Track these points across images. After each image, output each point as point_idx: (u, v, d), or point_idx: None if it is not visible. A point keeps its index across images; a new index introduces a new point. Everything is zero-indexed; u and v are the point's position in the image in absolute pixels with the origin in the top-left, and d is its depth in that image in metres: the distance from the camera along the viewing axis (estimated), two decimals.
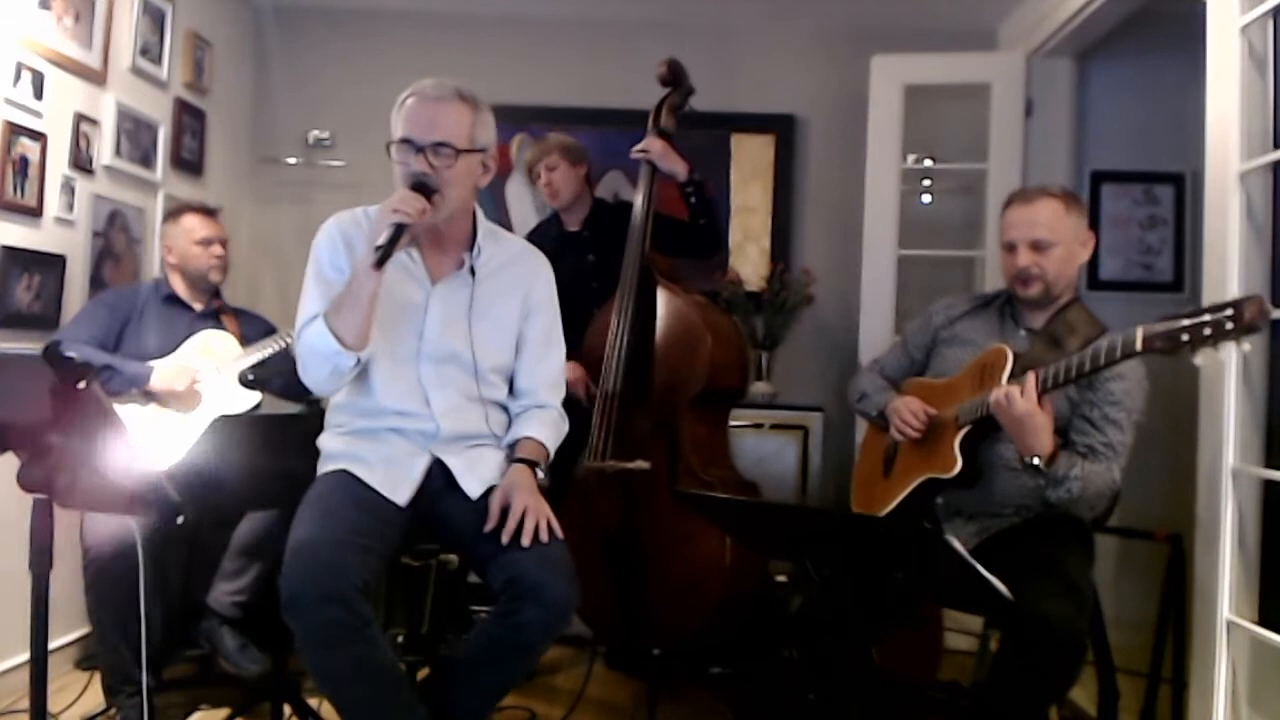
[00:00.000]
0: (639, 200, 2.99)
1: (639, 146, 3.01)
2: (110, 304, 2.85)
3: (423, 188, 1.93)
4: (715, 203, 3.19)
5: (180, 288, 2.93)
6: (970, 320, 2.36)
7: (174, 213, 2.97)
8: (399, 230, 1.86)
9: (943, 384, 2.28)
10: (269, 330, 3.01)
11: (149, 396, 2.72)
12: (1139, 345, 1.78)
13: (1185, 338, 1.70)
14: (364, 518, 1.91)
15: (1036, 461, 2.00)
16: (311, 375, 1.98)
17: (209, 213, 2.97)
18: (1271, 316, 1.68)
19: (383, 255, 1.85)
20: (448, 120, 1.99)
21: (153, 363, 2.73)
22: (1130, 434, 2.10)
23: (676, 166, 3.01)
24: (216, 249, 2.93)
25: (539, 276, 2.19)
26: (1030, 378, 1.97)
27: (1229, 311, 1.66)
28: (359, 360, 1.94)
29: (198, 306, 2.94)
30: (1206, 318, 1.69)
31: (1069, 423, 2.12)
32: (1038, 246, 2.17)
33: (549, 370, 2.19)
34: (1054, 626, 1.85)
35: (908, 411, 2.26)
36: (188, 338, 2.83)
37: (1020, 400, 1.95)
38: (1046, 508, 2.14)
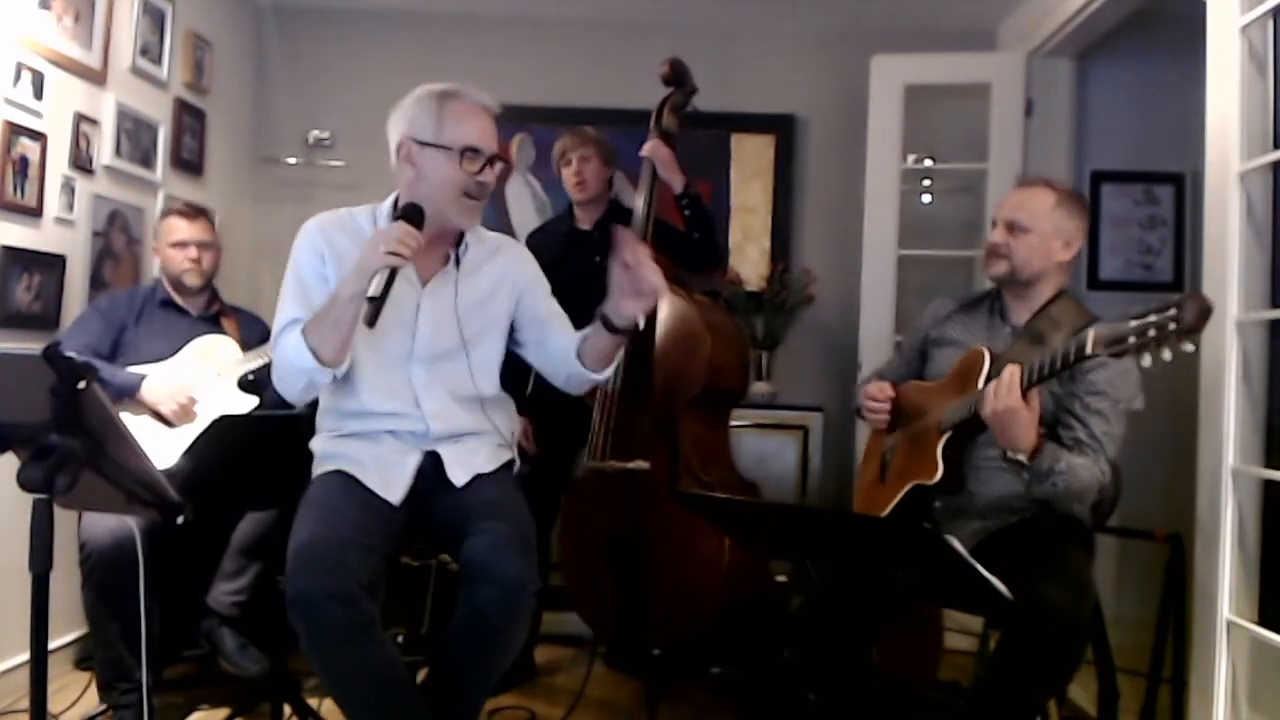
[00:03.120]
0: (640, 199, 2.99)
1: (646, 148, 2.99)
2: (105, 311, 2.83)
3: (415, 214, 1.90)
4: (713, 218, 3.16)
5: (173, 291, 2.93)
6: (960, 321, 2.35)
7: (163, 214, 2.99)
8: (393, 275, 1.82)
9: (932, 387, 2.28)
10: (268, 334, 3.01)
11: (142, 405, 2.70)
12: (1090, 348, 1.77)
13: (1132, 339, 1.68)
14: (364, 517, 1.92)
15: (1020, 457, 1.98)
16: (286, 387, 1.96)
17: (191, 215, 2.93)
18: (1212, 312, 1.65)
19: (376, 309, 1.79)
20: (495, 133, 2.00)
21: (144, 369, 2.71)
22: (1118, 423, 2.08)
23: (674, 177, 2.99)
24: (191, 252, 2.88)
25: (519, 260, 2.19)
26: (1013, 372, 1.95)
27: (1171, 313, 1.64)
28: (335, 376, 1.94)
29: (195, 310, 2.93)
30: (1153, 318, 1.66)
31: (1055, 418, 2.11)
32: (1011, 227, 2.17)
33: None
34: (1054, 614, 1.84)
35: (872, 397, 2.31)
36: (188, 342, 2.82)
37: (1002, 395, 1.93)
38: (1043, 507, 2.14)
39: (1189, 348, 1.64)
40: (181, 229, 2.90)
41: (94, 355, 2.69)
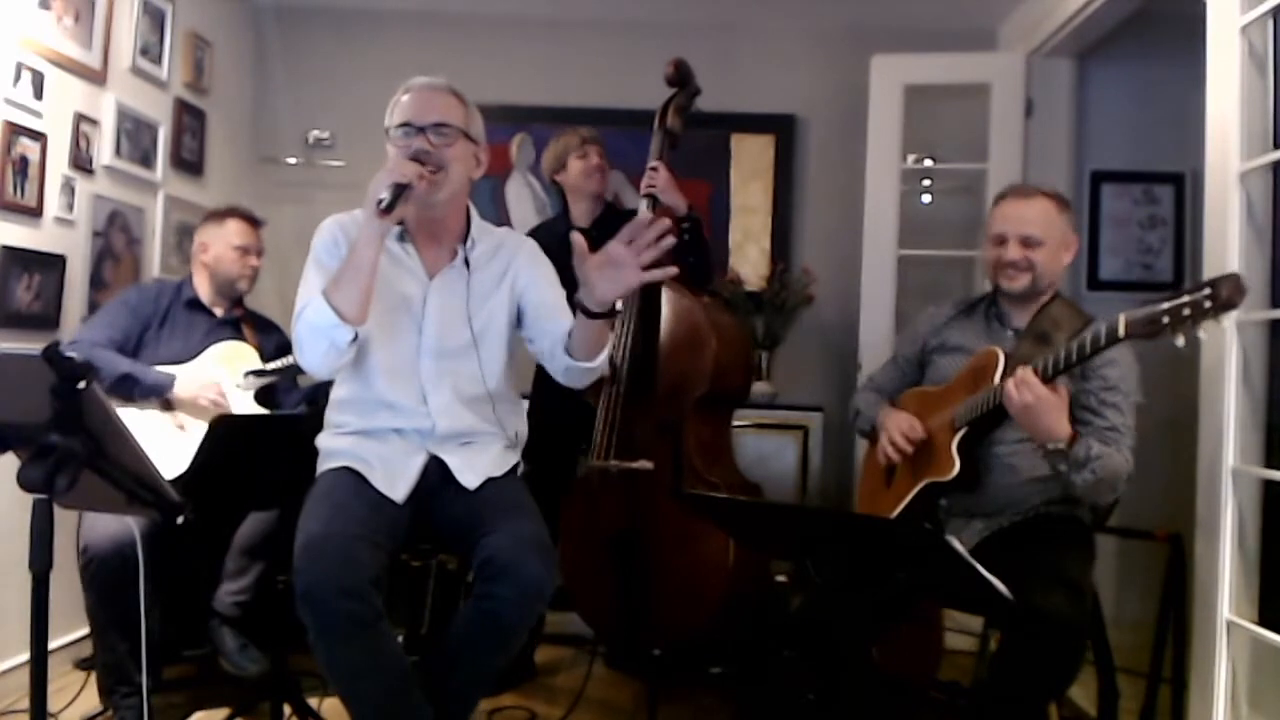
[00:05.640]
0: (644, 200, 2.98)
1: (650, 170, 2.98)
2: (134, 306, 2.82)
3: (419, 157, 1.96)
4: (708, 245, 3.17)
5: (204, 290, 2.92)
6: (957, 326, 2.37)
7: (218, 215, 2.97)
8: (400, 189, 1.87)
9: (938, 391, 2.29)
10: (286, 346, 3.01)
11: (170, 404, 2.70)
12: (1122, 332, 1.81)
13: (1166, 320, 1.74)
14: (371, 514, 1.93)
15: (1060, 445, 1.99)
16: (308, 354, 1.96)
17: (254, 223, 2.97)
18: (1247, 291, 1.72)
19: (388, 204, 1.84)
20: (445, 105, 2.05)
21: (173, 369, 2.71)
22: (1131, 416, 2.11)
23: (677, 201, 3.01)
24: (252, 259, 2.94)
25: (519, 254, 2.20)
26: (1026, 370, 1.97)
27: (1207, 291, 1.70)
28: (356, 336, 1.93)
29: (219, 312, 2.93)
30: (1185, 299, 1.72)
31: (1070, 414, 2.10)
32: (1028, 242, 2.19)
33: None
34: (1052, 621, 1.85)
35: (902, 428, 2.24)
36: (206, 345, 2.82)
37: (1025, 390, 1.95)
38: (1052, 504, 2.14)
39: (1226, 324, 1.69)
40: (246, 234, 2.93)
41: (117, 349, 2.70)
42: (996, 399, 2.03)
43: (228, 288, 2.92)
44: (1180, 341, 1.74)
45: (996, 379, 2.08)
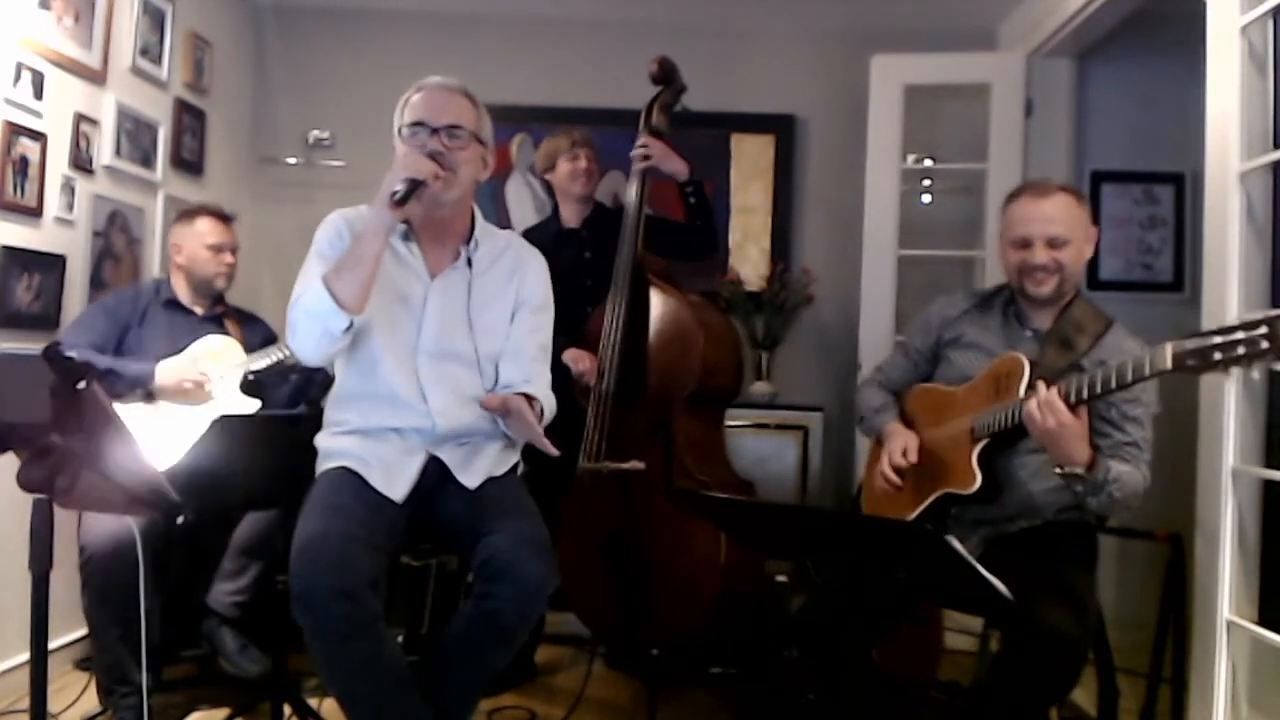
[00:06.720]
0: (631, 198, 3.00)
1: (639, 146, 3.01)
2: (111, 309, 2.83)
3: (434, 158, 1.97)
4: (713, 204, 3.20)
5: (183, 291, 2.92)
6: (974, 322, 2.29)
7: (188, 214, 2.96)
8: (414, 184, 1.89)
9: (953, 392, 2.23)
10: (271, 338, 3.01)
11: (154, 396, 2.70)
12: (1168, 364, 1.71)
13: (1218, 356, 1.63)
14: (369, 515, 1.93)
15: (1078, 470, 1.94)
16: (301, 339, 1.96)
17: (224, 219, 2.96)
18: None
19: (401, 197, 1.87)
20: (459, 107, 2.06)
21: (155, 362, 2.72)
22: (1150, 429, 2.07)
23: (677, 167, 3.03)
24: (227, 257, 2.93)
25: (530, 261, 2.23)
26: (1051, 391, 1.91)
27: (1263, 330, 1.58)
28: (351, 325, 1.92)
29: (200, 310, 2.93)
30: (1240, 335, 1.61)
31: (1090, 426, 2.03)
32: (1055, 243, 2.11)
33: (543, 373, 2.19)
34: (1054, 634, 1.83)
35: (894, 458, 2.20)
36: (190, 342, 2.82)
37: (1051, 415, 1.89)
38: (1063, 511, 2.12)
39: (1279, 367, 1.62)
40: (218, 232, 2.92)
41: (99, 354, 2.69)
42: (1019, 415, 1.96)
43: (206, 287, 2.92)
44: (1232, 386, 1.68)
45: (1021, 390, 2.02)
